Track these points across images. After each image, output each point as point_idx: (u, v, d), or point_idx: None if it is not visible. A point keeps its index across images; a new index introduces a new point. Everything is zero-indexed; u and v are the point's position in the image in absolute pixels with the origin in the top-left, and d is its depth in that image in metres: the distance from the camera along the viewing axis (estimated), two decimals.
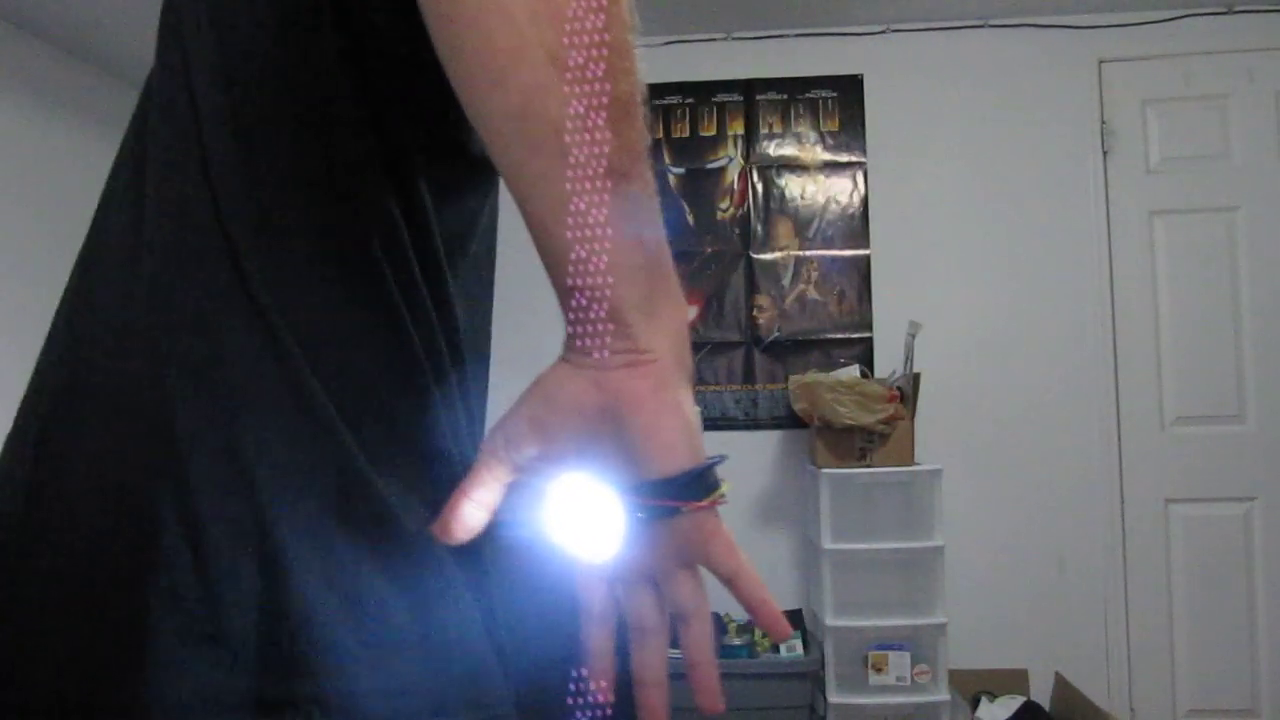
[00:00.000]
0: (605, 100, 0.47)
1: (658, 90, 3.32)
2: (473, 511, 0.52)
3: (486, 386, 0.68)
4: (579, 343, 0.49)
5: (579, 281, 0.48)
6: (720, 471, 0.52)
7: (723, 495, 0.50)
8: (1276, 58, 3.13)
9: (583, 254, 0.47)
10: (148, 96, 0.60)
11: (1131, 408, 3.13)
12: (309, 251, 0.55)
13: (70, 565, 0.51)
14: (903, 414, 2.81)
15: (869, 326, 3.22)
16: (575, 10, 0.46)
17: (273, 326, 0.53)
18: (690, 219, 3.31)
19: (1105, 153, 3.18)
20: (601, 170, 0.47)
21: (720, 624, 2.95)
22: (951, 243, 3.22)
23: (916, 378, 2.91)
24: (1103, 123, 3.18)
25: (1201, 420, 3.10)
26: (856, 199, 3.26)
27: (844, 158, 3.27)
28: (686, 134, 3.32)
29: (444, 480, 0.58)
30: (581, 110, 0.46)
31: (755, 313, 3.26)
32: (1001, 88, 3.23)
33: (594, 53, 0.46)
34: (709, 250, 3.30)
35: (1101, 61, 3.20)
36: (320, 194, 0.56)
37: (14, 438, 0.58)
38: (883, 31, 3.28)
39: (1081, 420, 3.13)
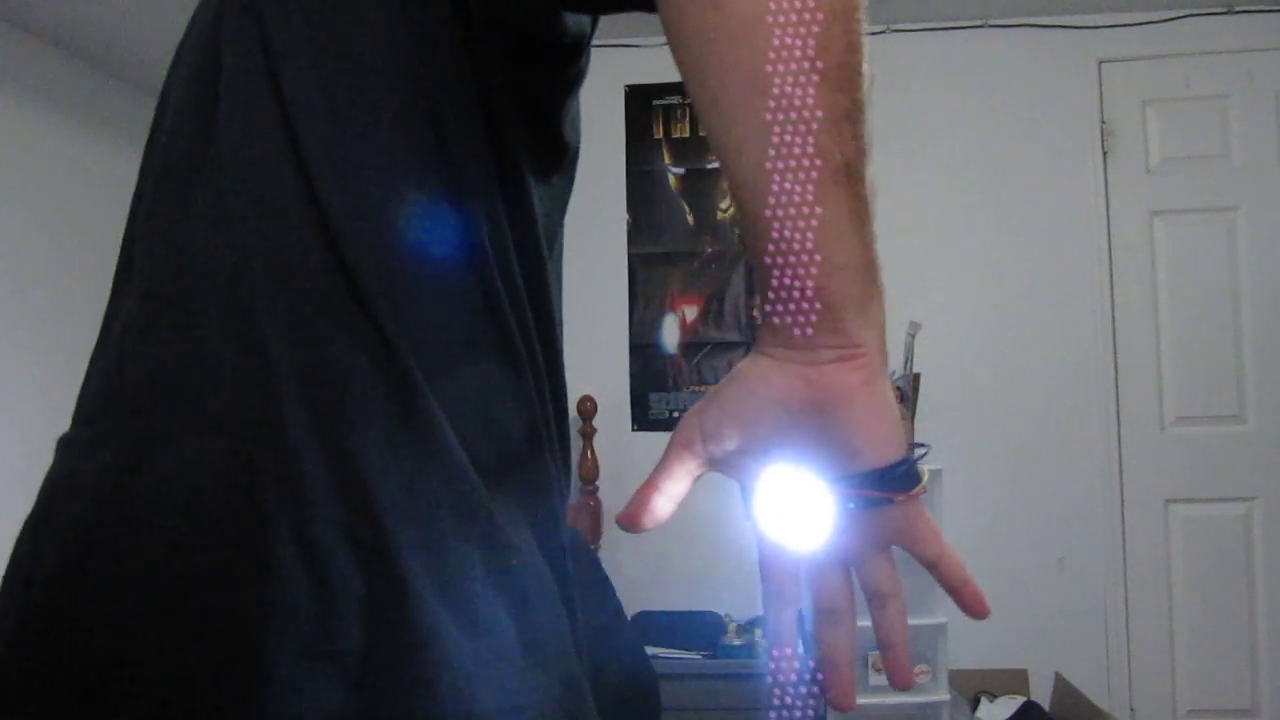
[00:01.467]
0: (851, 102, 0.47)
1: (658, 90, 3.32)
2: (662, 504, 0.51)
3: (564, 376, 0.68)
4: (790, 336, 0.48)
5: (807, 281, 0.47)
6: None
7: (925, 484, 0.51)
8: (1276, 58, 3.12)
9: (813, 255, 0.47)
10: (200, 78, 0.58)
11: (1131, 408, 3.12)
12: (415, 251, 0.54)
13: (175, 575, 0.49)
14: (903, 414, 2.81)
15: None
16: (829, 13, 0.46)
17: (382, 331, 0.52)
18: (690, 219, 3.31)
19: (1105, 153, 3.18)
20: (844, 175, 0.47)
21: (720, 623, 2.95)
22: (951, 243, 3.22)
23: (916, 378, 2.91)
24: (1103, 123, 3.18)
25: (1201, 420, 3.10)
26: None
27: None
28: (686, 134, 3.32)
29: (541, 490, 0.58)
30: (834, 113, 0.46)
31: (755, 313, 3.26)
32: (1001, 88, 3.23)
33: (844, 57, 0.46)
34: (709, 250, 3.30)
35: (1101, 61, 3.19)
36: (428, 188, 0.55)
37: (84, 433, 0.57)
38: (883, 31, 3.27)
39: (1081, 420, 3.12)
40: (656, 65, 3.54)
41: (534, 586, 0.54)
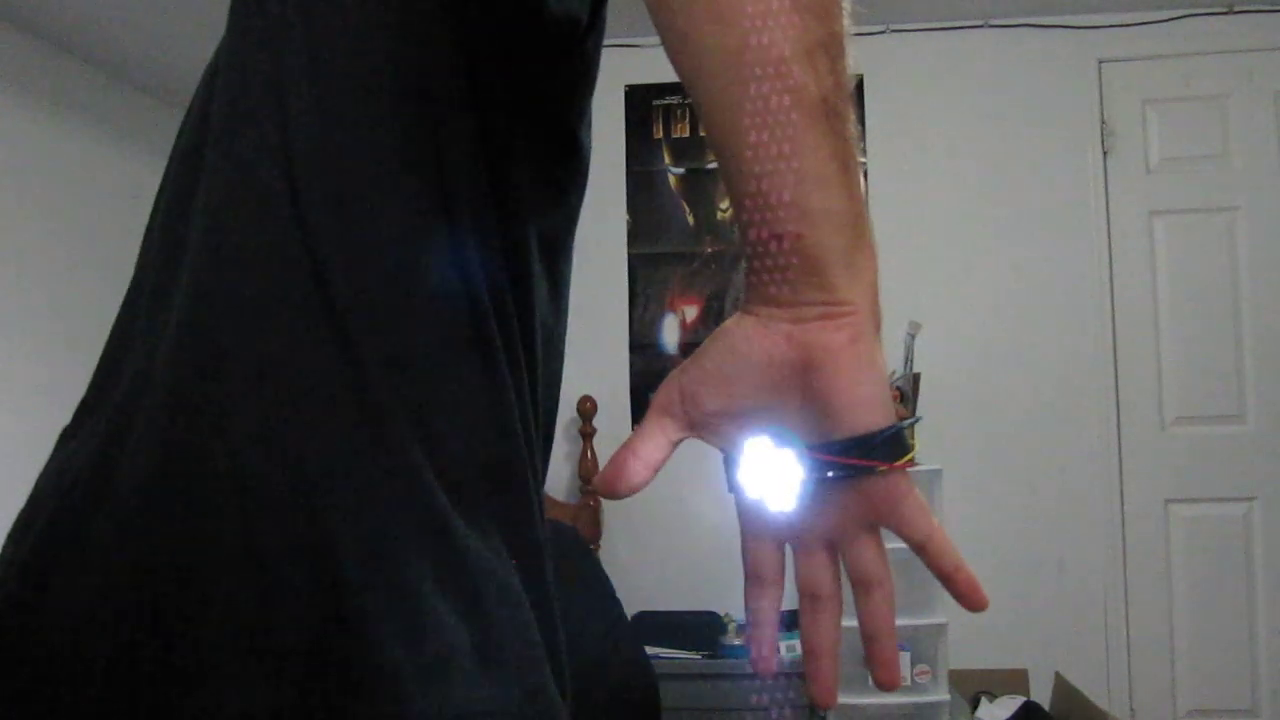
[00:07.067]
0: (828, 32, 0.44)
1: (658, 90, 3.32)
2: (639, 470, 0.49)
3: (560, 383, 0.66)
4: (772, 292, 0.46)
5: (785, 229, 0.44)
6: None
7: (914, 457, 0.47)
8: (1276, 58, 3.12)
9: (791, 198, 0.44)
10: (213, 75, 0.57)
11: (1131, 408, 3.12)
12: (389, 251, 0.53)
13: (124, 568, 0.49)
14: (903, 414, 2.81)
15: None
16: None
17: (345, 330, 0.51)
18: (690, 219, 3.31)
19: (1105, 153, 3.18)
20: (821, 110, 0.44)
21: (720, 623, 2.95)
22: (951, 243, 3.22)
23: (916, 378, 2.91)
24: (1103, 123, 3.18)
25: (1201, 420, 3.10)
26: None
27: None
28: (686, 134, 3.32)
29: (512, 496, 0.56)
30: (807, 45, 0.44)
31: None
32: (1001, 88, 3.23)
33: None
34: (709, 250, 3.30)
35: (1101, 61, 3.20)
36: (411, 193, 0.53)
37: (73, 426, 0.57)
38: (883, 31, 3.27)
39: (1081, 420, 3.12)
40: (656, 65, 3.53)
41: (494, 592, 0.52)
